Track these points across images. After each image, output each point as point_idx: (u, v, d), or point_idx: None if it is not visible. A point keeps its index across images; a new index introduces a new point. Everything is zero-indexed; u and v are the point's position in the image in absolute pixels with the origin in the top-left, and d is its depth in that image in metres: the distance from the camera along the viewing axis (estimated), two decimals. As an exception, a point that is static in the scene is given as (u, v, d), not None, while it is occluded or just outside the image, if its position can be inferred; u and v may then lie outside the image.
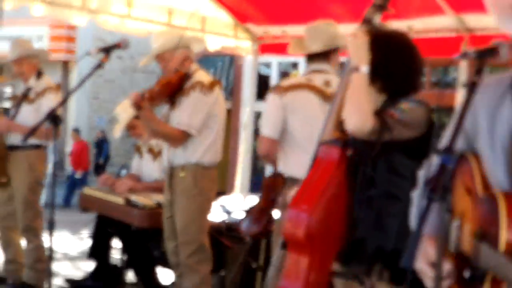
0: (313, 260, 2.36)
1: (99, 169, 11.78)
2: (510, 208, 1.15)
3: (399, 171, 2.36)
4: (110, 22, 4.73)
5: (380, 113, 2.30)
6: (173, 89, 3.65)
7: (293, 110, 3.41)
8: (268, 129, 3.45)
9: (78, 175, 11.25)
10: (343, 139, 2.39)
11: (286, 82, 3.71)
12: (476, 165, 1.32)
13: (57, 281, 5.08)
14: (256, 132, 4.66)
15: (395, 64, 2.44)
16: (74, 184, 10.88)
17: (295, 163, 3.23)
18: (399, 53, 2.47)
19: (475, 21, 4.15)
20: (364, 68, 2.30)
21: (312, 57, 3.51)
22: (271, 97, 3.55)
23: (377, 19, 2.48)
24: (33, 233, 4.37)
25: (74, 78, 12.52)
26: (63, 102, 3.03)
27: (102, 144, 12.18)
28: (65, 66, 13.04)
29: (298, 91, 3.48)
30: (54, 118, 2.85)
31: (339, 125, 2.49)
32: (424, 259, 1.26)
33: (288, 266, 2.49)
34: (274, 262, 3.38)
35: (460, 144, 1.35)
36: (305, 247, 2.38)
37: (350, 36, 2.51)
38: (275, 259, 3.35)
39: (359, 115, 2.28)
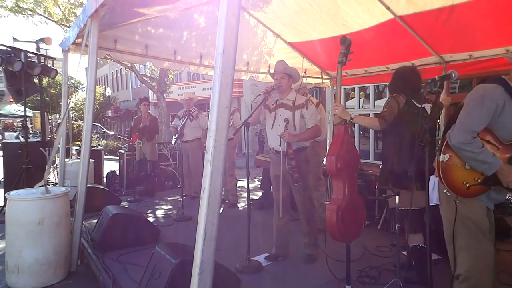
0: (344, 182, 2.88)
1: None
2: None
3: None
4: (260, 76, 7.16)
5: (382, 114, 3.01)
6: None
7: None
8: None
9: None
10: (344, 121, 2.92)
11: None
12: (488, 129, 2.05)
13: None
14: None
15: (410, 79, 3.20)
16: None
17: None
18: (408, 75, 3.24)
19: (448, 57, 5.40)
20: (353, 115, 2.92)
21: None
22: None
23: (345, 60, 2.90)
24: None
25: (243, 104, 20.05)
26: (251, 116, 3.85)
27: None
28: (238, 100, 20.42)
29: None
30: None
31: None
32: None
33: (334, 188, 2.92)
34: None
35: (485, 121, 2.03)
36: (337, 175, 2.89)
37: (333, 107, 2.93)
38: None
39: (370, 125, 3.15)
